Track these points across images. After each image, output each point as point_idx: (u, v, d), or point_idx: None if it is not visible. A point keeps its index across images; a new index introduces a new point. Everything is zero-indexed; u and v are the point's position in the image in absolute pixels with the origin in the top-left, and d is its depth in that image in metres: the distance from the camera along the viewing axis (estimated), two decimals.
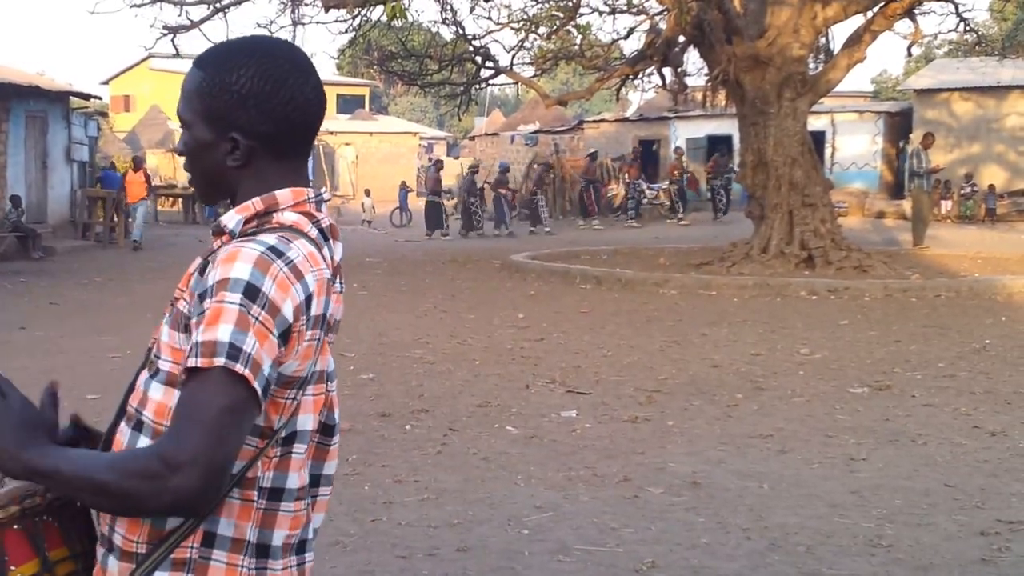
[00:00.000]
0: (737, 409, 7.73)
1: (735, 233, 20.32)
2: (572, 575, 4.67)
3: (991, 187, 27.70)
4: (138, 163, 24.05)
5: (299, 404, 1.73)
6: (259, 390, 1.60)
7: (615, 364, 9.43)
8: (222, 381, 1.57)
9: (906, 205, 23.95)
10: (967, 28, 21.17)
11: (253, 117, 1.75)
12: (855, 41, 17.24)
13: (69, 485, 1.62)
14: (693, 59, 19.87)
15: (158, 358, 1.74)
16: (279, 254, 1.65)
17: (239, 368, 1.57)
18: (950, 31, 22.48)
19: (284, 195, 1.77)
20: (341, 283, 1.83)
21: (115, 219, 23.50)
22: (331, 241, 1.81)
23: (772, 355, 9.82)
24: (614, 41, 22.76)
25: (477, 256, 20.45)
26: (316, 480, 1.84)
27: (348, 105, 54.51)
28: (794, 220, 16.56)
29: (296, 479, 1.75)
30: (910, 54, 22.81)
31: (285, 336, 1.63)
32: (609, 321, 11.98)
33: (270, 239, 1.68)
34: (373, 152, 44.10)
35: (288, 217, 1.75)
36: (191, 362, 1.58)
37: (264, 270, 1.62)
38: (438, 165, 29.88)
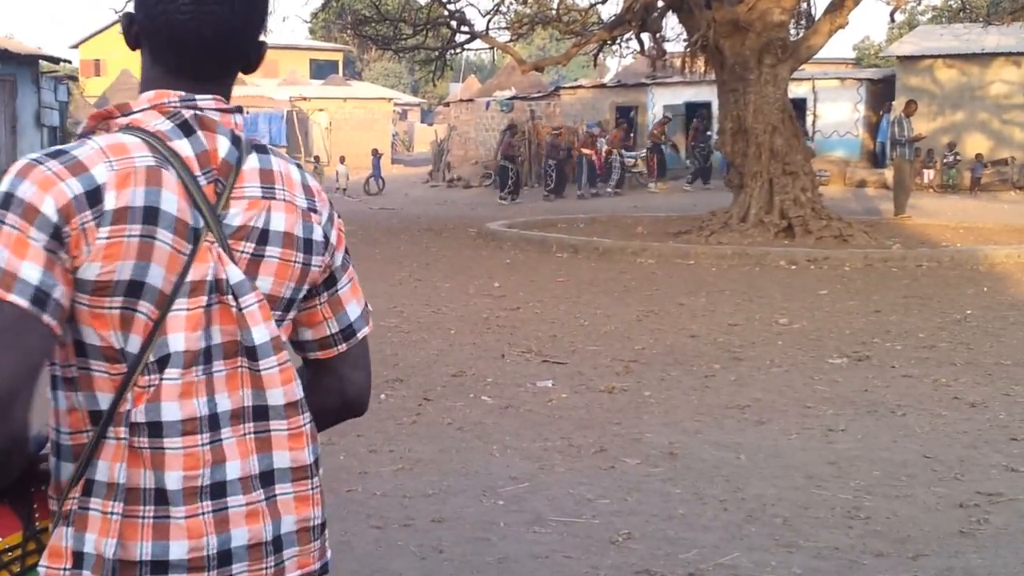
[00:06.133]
0: (714, 379, 7.77)
1: (713, 202, 20.36)
2: (548, 546, 4.70)
3: (978, 156, 27.79)
4: None
5: (164, 322, 1.55)
6: (26, 303, 1.46)
7: (592, 334, 9.45)
8: None
9: (888, 174, 24.04)
10: None
11: (141, 14, 1.67)
12: (837, 6, 17.24)
13: None
14: (672, 24, 19.89)
15: None
16: (57, 155, 1.55)
17: None
18: None
19: (142, 98, 1.65)
20: (221, 181, 1.63)
21: None
22: (201, 132, 1.63)
23: (750, 325, 9.87)
24: (592, 5, 22.71)
25: (453, 224, 20.44)
26: (263, 412, 1.65)
27: (321, 70, 54.24)
28: (774, 189, 16.61)
29: (176, 410, 1.56)
30: (893, 20, 22.84)
31: (58, 237, 1.49)
32: (586, 290, 12.00)
33: (64, 146, 1.58)
34: (347, 118, 43.87)
35: (132, 118, 1.62)
36: None
37: (25, 175, 1.52)
38: (512, 130, 29.73)
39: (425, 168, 39.99)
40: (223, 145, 1.64)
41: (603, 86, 35.86)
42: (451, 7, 21.46)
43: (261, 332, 1.62)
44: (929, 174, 27.92)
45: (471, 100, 38.71)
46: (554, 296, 11.56)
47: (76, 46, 56.79)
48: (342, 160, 33.05)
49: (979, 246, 15.47)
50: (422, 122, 61.12)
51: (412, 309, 10.70)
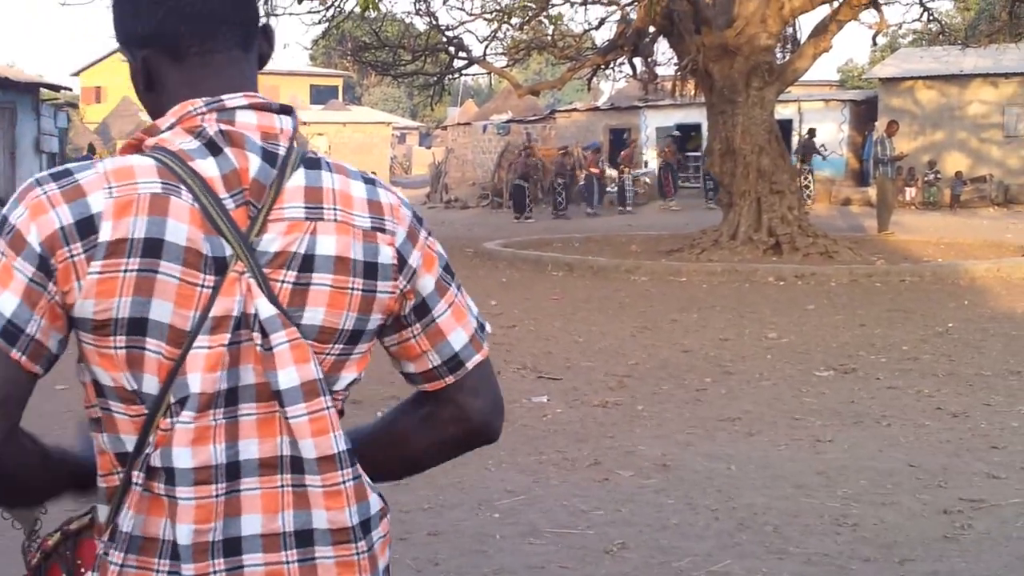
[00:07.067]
0: (706, 393, 7.76)
1: (704, 221, 20.39)
2: (543, 557, 4.68)
3: (958, 174, 27.92)
4: None
5: (184, 360, 1.37)
6: None
7: (586, 350, 9.44)
8: None
9: (871, 192, 24.09)
10: (931, 18, 21.29)
11: (130, 16, 1.48)
12: (821, 31, 17.30)
13: None
14: (663, 49, 19.91)
15: None
16: (59, 176, 1.38)
17: None
18: (914, 21, 22.70)
19: (168, 114, 1.44)
20: (254, 204, 1.41)
21: None
22: (229, 150, 1.41)
23: (740, 340, 9.86)
24: (586, 31, 22.74)
25: (450, 244, 20.40)
26: (300, 464, 1.42)
27: (321, 95, 54.36)
28: (762, 207, 16.63)
29: (188, 457, 1.37)
30: (875, 43, 22.95)
31: (46, 269, 1.34)
32: (580, 308, 11.99)
33: (73, 165, 1.42)
34: (346, 142, 43.97)
35: (160, 138, 1.43)
36: None
37: (22, 198, 1.37)
38: (528, 151, 29.74)
39: (423, 190, 40.03)
40: (253, 163, 1.40)
41: (597, 109, 35.97)
42: (449, 33, 21.49)
43: (289, 375, 1.40)
44: (911, 192, 28.02)
45: (468, 123, 38.80)
46: (549, 314, 11.55)
47: (77, 74, 56.88)
48: None
49: (960, 261, 15.48)
50: (420, 145, 61.16)
51: None
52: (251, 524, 1.41)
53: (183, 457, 1.37)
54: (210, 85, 1.45)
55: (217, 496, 1.39)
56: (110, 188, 1.35)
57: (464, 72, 24.18)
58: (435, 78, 22.78)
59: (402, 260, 1.49)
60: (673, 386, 7.98)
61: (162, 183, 1.36)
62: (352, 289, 1.44)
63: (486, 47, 22.25)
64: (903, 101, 29.90)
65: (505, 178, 31.30)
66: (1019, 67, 27.99)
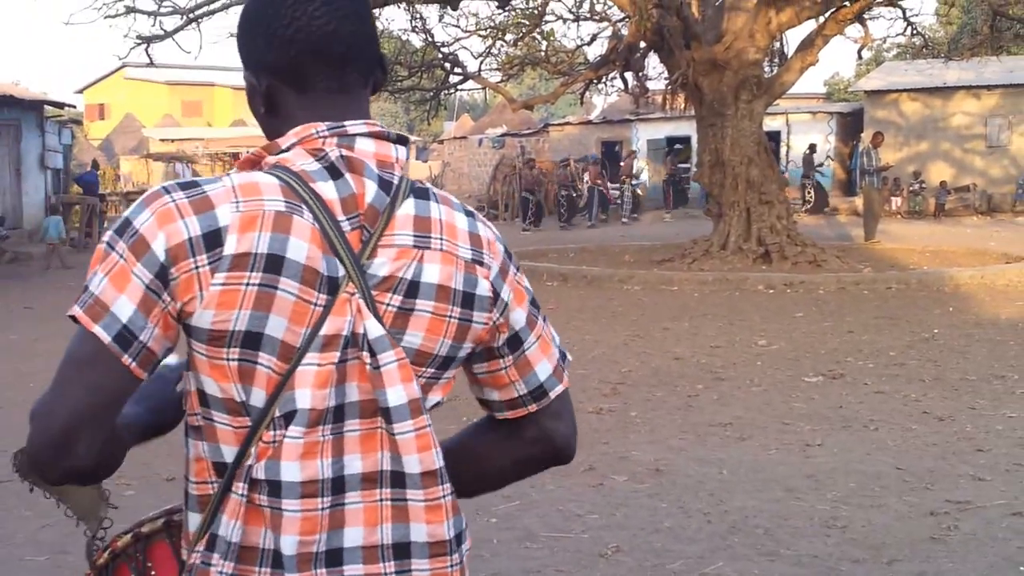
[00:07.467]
0: (698, 399, 7.76)
1: (694, 231, 20.40)
2: (539, 561, 4.68)
3: (942, 183, 27.99)
4: None
5: (292, 376, 1.38)
6: (108, 338, 1.32)
7: (580, 358, 9.44)
8: (75, 329, 1.35)
9: (858, 202, 24.14)
10: (914, 32, 21.35)
11: (261, 47, 1.48)
12: (808, 45, 17.34)
13: None
14: (654, 63, 19.95)
15: None
16: (187, 187, 1.38)
17: (75, 310, 1.34)
18: (898, 35, 22.79)
19: (289, 134, 1.46)
20: (368, 228, 1.42)
21: (91, 224, 23.29)
22: (349, 175, 1.42)
23: (731, 347, 9.87)
24: (578, 47, 22.79)
25: None
26: (401, 479, 1.44)
27: None
28: (751, 217, 16.65)
29: (296, 471, 1.38)
30: (860, 57, 22.97)
31: (163, 278, 1.34)
32: (575, 317, 11.99)
33: (200, 178, 1.43)
34: None
35: (280, 158, 1.44)
36: None
37: (148, 203, 1.37)
38: (531, 164, 29.82)
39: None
40: (370, 189, 1.42)
41: (589, 122, 36.02)
42: (445, 50, 21.53)
43: (397, 393, 1.41)
44: (897, 201, 28.07)
45: (464, 137, 38.84)
46: None
47: (81, 91, 56.84)
48: None
49: (944, 268, 15.49)
50: (417, 159, 60.99)
51: None
52: (353, 536, 1.43)
53: (291, 471, 1.38)
54: (332, 113, 1.47)
55: (323, 509, 1.40)
56: (237, 202, 1.36)
57: (459, 87, 24.23)
58: (431, 93, 22.83)
59: (496, 294, 1.52)
60: (665, 393, 7.99)
61: (285, 202, 1.38)
62: (450, 317, 1.47)
63: (481, 63, 22.31)
64: (888, 113, 29.98)
65: (500, 190, 31.33)
66: (1001, 79, 28.13)
